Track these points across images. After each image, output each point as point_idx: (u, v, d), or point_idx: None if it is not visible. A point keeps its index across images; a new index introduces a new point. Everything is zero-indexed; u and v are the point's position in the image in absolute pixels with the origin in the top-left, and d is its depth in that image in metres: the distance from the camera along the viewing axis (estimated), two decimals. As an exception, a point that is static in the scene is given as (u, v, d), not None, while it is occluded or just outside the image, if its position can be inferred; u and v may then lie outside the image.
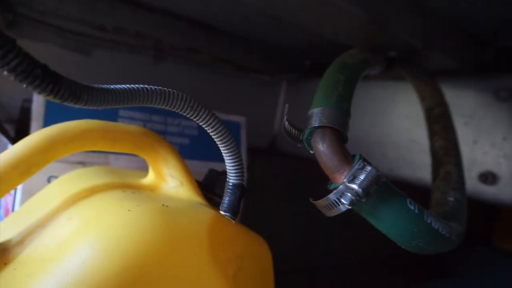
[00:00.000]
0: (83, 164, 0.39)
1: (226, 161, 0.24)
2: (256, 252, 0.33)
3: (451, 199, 0.27)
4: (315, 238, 0.83)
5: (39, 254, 0.23)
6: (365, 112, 0.61)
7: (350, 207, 0.20)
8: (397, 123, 0.57)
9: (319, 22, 0.42)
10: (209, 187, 0.35)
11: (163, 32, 0.62)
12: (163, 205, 0.27)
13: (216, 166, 0.39)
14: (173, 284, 0.24)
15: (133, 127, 0.31)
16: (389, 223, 0.21)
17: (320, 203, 0.22)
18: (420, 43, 0.44)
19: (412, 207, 0.21)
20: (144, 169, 0.36)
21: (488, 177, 0.46)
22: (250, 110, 0.73)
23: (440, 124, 0.36)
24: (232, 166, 0.24)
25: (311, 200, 0.22)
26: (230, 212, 0.24)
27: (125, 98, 0.19)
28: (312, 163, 0.24)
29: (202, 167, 0.45)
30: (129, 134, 0.30)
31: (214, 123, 0.22)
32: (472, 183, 0.48)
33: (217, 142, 0.23)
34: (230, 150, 0.23)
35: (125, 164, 0.43)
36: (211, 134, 0.23)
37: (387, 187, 0.21)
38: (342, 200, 0.20)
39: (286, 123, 0.23)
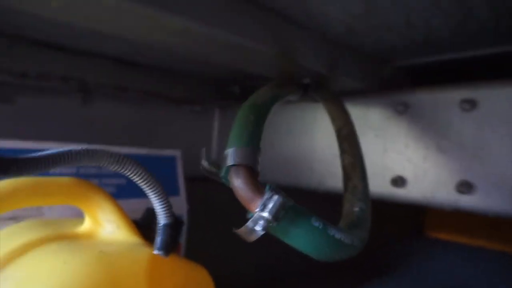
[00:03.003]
0: (14, 219, 0.39)
1: (154, 204, 0.26)
2: (197, 282, 0.35)
3: (357, 209, 0.32)
4: (259, 255, 0.86)
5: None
6: (291, 132, 0.67)
7: (264, 232, 0.24)
8: (320, 140, 0.62)
9: (234, 61, 0.47)
10: (147, 225, 0.37)
11: (89, 73, 0.63)
12: (100, 251, 0.28)
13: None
14: (117, 326, 0.26)
15: (64, 179, 0.32)
16: (299, 240, 0.25)
17: (241, 231, 0.25)
18: (326, 70, 0.50)
19: (316, 224, 0.25)
20: (82, 215, 0.36)
21: (398, 181, 0.53)
22: (185, 141, 0.75)
23: (347, 142, 0.41)
24: (160, 208, 0.26)
25: (233, 230, 0.25)
26: (163, 251, 0.26)
27: (51, 163, 0.20)
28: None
29: (141, 204, 0.47)
30: (60, 187, 0.31)
31: (139, 172, 0.24)
32: (386, 188, 0.54)
33: (143, 188, 0.25)
34: (156, 194, 0.25)
35: (60, 213, 0.43)
36: (136, 181, 0.25)
37: (294, 210, 0.25)
38: (256, 228, 0.23)
39: (205, 163, 0.27)
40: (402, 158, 0.53)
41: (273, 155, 0.68)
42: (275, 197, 0.24)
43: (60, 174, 0.48)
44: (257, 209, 0.24)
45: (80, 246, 0.29)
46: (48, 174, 0.45)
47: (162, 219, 0.26)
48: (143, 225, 0.37)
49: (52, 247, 0.29)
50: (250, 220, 0.24)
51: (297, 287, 0.89)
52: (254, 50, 0.41)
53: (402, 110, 0.53)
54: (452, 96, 0.49)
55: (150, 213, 0.38)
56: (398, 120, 0.54)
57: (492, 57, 0.54)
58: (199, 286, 0.34)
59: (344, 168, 0.39)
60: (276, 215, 0.23)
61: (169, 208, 0.26)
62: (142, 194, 0.53)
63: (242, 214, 0.26)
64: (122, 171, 0.24)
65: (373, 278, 0.97)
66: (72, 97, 0.61)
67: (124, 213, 0.34)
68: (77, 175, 0.48)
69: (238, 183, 0.25)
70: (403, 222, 1.35)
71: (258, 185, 0.25)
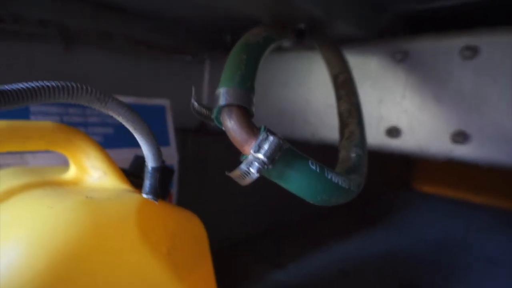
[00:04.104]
0: (-4, 167, 0.37)
1: (142, 146, 0.25)
2: (189, 228, 0.34)
3: (353, 155, 0.31)
4: (250, 208, 0.87)
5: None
6: (287, 83, 0.64)
7: (259, 175, 0.23)
8: (315, 90, 0.61)
9: (222, 1, 0.43)
10: (136, 173, 0.35)
11: (70, 18, 0.59)
12: (86, 197, 0.27)
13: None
14: (107, 271, 0.25)
15: (44, 123, 0.30)
16: (295, 183, 0.24)
17: (234, 174, 0.24)
18: (323, 13, 0.47)
19: (313, 167, 0.24)
20: (67, 164, 0.35)
21: (393, 131, 0.52)
22: (176, 92, 0.73)
23: (344, 89, 0.39)
24: (148, 150, 0.25)
25: (226, 172, 0.24)
26: (152, 195, 0.25)
27: (24, 97, 0.18)
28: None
29: (130, 154, 0.45)
30: (40, 131, 0.29)
31: (123, 111, 0.22)
32: (381, 138, 0.54)
33: (130, 129, 0.24)
34: (143, 135, 0.24)
35: (45, 162, 0.41)
36: (122, 122, 0.23)
37: (290, 152, 0.24)
38: (251, 169, 0.22)
39: (195, 104, 0.25)
40: (398, 108, 0.52)
41: (267, 106, 0.66)
42: (271, 138, 0.22)
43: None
44: (252, 150, 0.22)
45: (65, 192, 0.28)
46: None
47: (150, 161, 0.25)
48: (132, 173, 0.36)
49: (36, 192, 0.28)
50: (244, 162, 0.23)
51: (288, 237, 0.92)
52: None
53: (401, 58, 0.51)
54: (454, 42, 0.47)
55: (139, 161, 0.37)
56: (396, 69, 0.52)
57: (497, 2, 0.52)
58: (191, 232, 0.33)
59: (340, 115, 0.37)
60: (272, 157, 0.22)
61: (157, 150, 0.25)
62: (130, 144, 0.51)
63: (235, 165, 0.24)
64: (104, 109, 0.22)
65: (360, 229, 0.99)
66: (52, 43, 0.58)
67: (111, 159, 0.32)
68: (61, 122, 0.46)
69: (231, 124, 0.24)
70: (392, 176, 1.37)
71: (253, 126, 0.24)
